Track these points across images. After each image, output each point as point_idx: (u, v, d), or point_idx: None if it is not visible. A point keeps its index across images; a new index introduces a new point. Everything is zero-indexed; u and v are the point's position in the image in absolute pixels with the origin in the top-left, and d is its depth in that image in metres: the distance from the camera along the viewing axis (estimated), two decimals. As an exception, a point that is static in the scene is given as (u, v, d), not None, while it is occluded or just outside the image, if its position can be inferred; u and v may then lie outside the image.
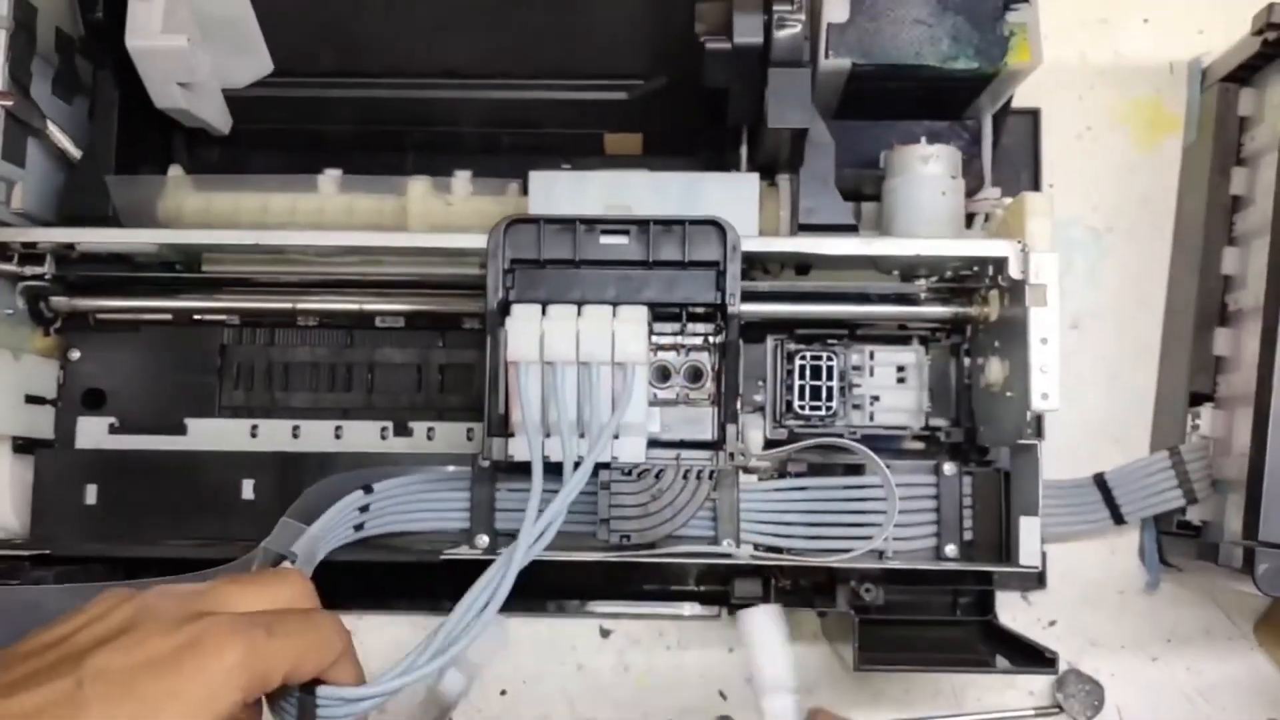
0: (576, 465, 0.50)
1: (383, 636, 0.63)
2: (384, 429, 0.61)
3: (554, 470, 0.51)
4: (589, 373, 0.51)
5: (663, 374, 0.56)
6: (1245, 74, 0.62)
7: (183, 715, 0.36)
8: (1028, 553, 0.55)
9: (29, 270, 0.57)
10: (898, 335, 0.60)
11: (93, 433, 0.60)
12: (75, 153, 0.58)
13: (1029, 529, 0.55)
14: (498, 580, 0.46)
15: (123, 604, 0.38)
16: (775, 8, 0.52)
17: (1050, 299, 0.52)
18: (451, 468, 0.57)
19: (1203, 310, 0.62)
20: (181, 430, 0.60)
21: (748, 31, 0.52)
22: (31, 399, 0.59)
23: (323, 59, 0.60)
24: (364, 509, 0.55)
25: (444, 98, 0.60)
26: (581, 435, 0.52)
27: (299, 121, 0.62)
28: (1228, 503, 0.58)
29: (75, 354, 0.61)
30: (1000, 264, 0.53)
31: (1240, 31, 0.60)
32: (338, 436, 0.60)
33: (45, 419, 0.60)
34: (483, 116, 0.62)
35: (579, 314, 0.52)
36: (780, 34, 0.52)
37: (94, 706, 0.35)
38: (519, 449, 0.52)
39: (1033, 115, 0.66)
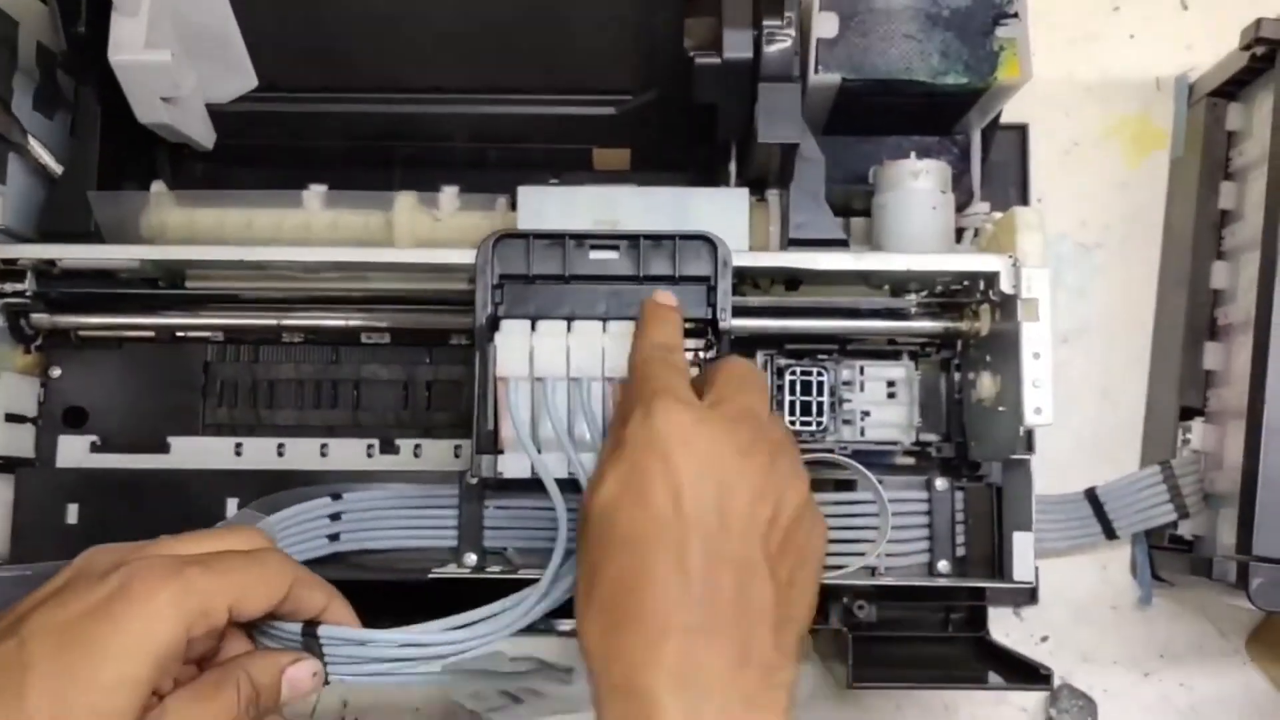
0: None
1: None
2: (370, 446, 0.60)
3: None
4: (580, 388, 0.51)
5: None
6: (1233, 89, 0.62)
7: (123, 656, 0.37)
8: (1021, 568, 0.55)
9: (9, 287, 0.56)
10: (888, 350, 0.59)
11: (74, 451, 0.59)
12: (57, 168, 0.58)
13: (1022, 544, 0.55)
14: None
15: (64, 568, 0.40)
16: (765, 23, 0.52)
17: (1042, 313, 0.51)
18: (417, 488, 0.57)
19: (1192, 324, 0.62)
20: (164, 448, 0.59)
21: (737, 47, 0.52)
22: (11, 417, 0.58)
23: (308, 74, 0.59)
24: (335, 517, 0.55)
25: (431, 113, 0.60)
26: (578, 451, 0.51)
27: (284, 137, 0.61)
28: (1219, 517, 0.58)
29: (56, 372, 0.60)
30: (991, 279, 0.53)
31: (1227, 47, 0.61)
32: (323, 454, 0.60)
33: (26, 438, 0.59)
34: (470, 131, 0.61)
35: (569, 329, 0.51)
36: (770, 49, 0.52)
37: (37, 662, 0.36)
38: (508, 466, 0.51)
39: (1021, 130, 0.66)
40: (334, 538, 0.55)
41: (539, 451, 0.51)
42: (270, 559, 0.43)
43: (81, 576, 0.39)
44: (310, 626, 0.44)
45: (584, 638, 0.40)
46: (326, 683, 0.44)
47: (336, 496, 0.56)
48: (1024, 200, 0.66)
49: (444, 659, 0.46)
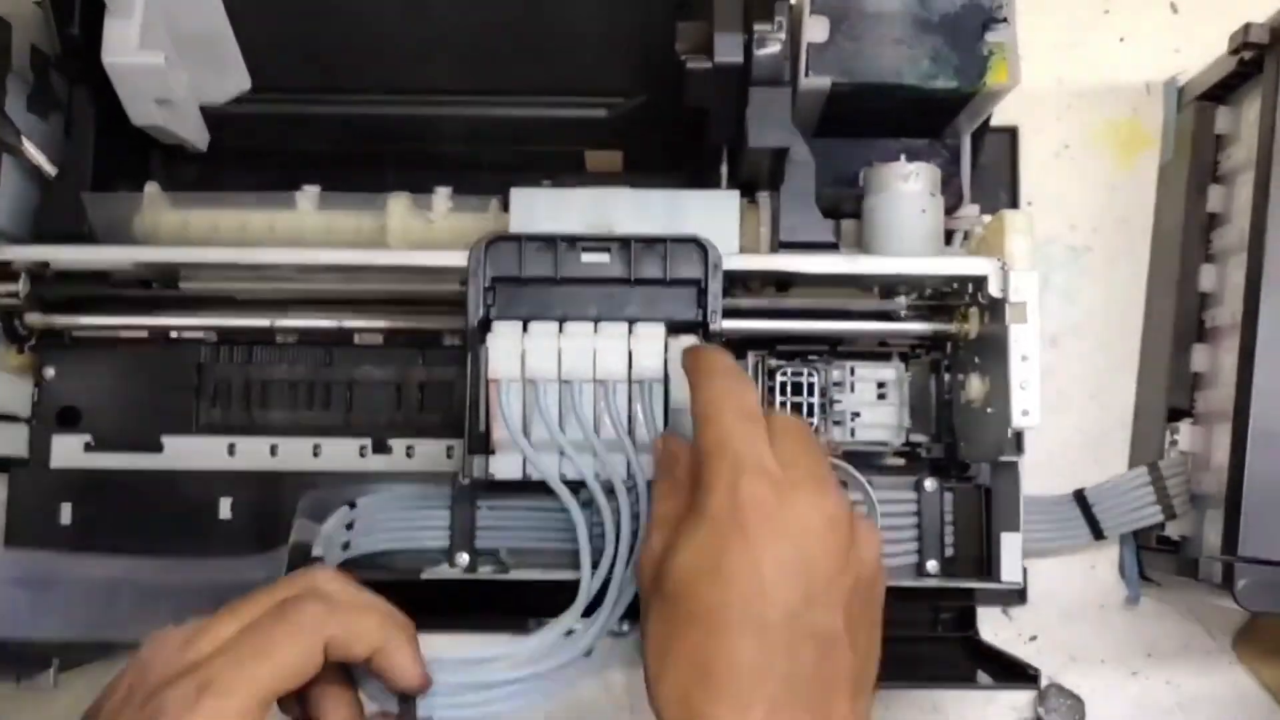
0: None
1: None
2: (363, 447, 0.60)
3: (537, 489, 0.52)
4: (571, 390, 0.51)
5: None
6: (1222, 93, 0.63)
7: None
8: (1009, 569, 0.56)
9: (2, 288, 0.56)
10: (878, 352, 0.60)
11: (68, 451, 0.60)
12: (50, 170, 0.58)
13: (1010, 545, 0.56)
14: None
15: (139, 659, 0.40)
16: (756, 27, 0.52)
17: (1030, 316, 0.52)
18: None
19: (1180, 327, 0.62)
20: (158, 448, 0.60)
21: (728, 51, 0.52)
22: (5, 417, 0.58)
23: (302, 75, 0.59)
24: (349, 526, 0.55)
25: (424, 114, 0.60)
26: (562, 453, 0.51)
27: (277, 138, 0.61)
28: (1206, 518, 0.59)
29: (50, 372, 0.60)
30: (980, 282, 0.53)
31: (1216, 50, 0.61)
32: (316, 454, 0.60)
33: (19, 437, 0.59)
34: (463, 133, 0.61)
35: (560, 331, 0.52)
36: (760, 53, 0.53)
37: None
38: (500, 467, 0.52)
39: (1011, 134, 0.67)
40: (345, 546, 0.55)
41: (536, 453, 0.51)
42: (295, 622, 0.40)
43: (137, 691, 0.38)
44: (406, 699, 0.44)
45: (661, 700, 0.40)
46: None
47: (352, 505, 0.56)
48: (1014, 203, 0.66)
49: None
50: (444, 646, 0.46)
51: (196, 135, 0.59)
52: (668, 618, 0.41)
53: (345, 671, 0.44)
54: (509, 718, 0.47)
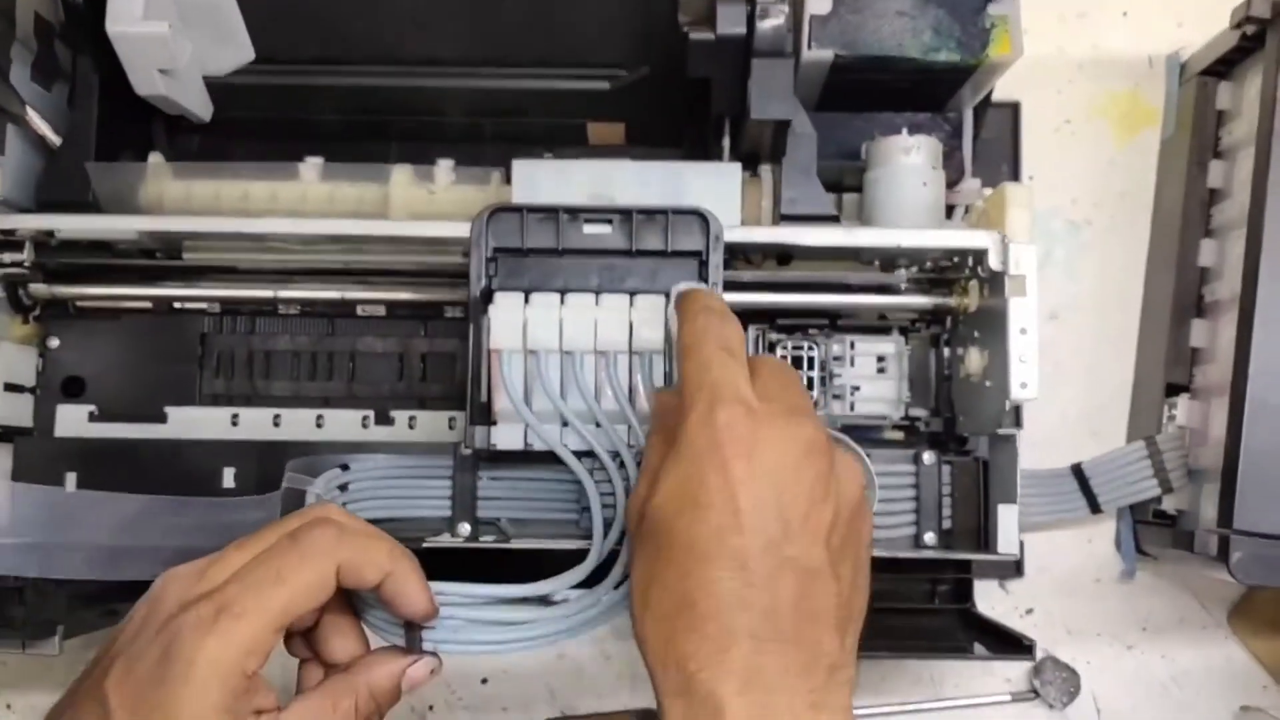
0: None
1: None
2: (365, 418, 0.60)
3: (538, 459, 0.52)
4: (573, 361, 0.51)
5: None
6: (1224, 68, 0.63)
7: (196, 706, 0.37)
8: (1006, 541, 0.56)
9: (8, 257, 0.56)
10: (878, 326, 0.60)
11: (72, 421, 0.60)
12: (55, 139, 0.58)
13: (1007, 517, 0.56)
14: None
15: (151, 594, 0.40)
16: (758, -1, 0.52)
17: (1029, 289, 0.52)
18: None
19: (1179, 302, 0.63)
20: (162, 418, 0.60)
21: (731, 22, 0.52)
22: (10, 387, 0.58)
23: (305, 47, 0.59)
24: (343, 488, 0.55)
25: (427, 86, 0.60)
26: (565, 424, 0.52)
27: (281, 109, 0.62)
28: (1203, 492, 0.59)
29: (54, 342, 0.60)
30: (980, 255, 0.54)
31: (1219, 25, 0.61)
32: (319, 425, 0.60)
33: (24, 407, 0.60)
34: (466, 105, 0.62)
35: (562, 302, 0.52)
36: (763, 25, 0.53)
37: None
38: (501, 437, 0.52)
39: (1013, 108, 0.67)
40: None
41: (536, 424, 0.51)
42: (307, 547, 0.41)
43: (150, 621, 0.39)
44: (412, 626, 0.45)
45: (645, 641, 0.40)
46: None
47: (345, 467, 0.56)
48: (1015, 177, 0.66)
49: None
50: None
51: (200, 106, 0.60)
52: (649, 556, 0.40)
53: (350, 607, 0.44)
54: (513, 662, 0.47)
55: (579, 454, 0.52)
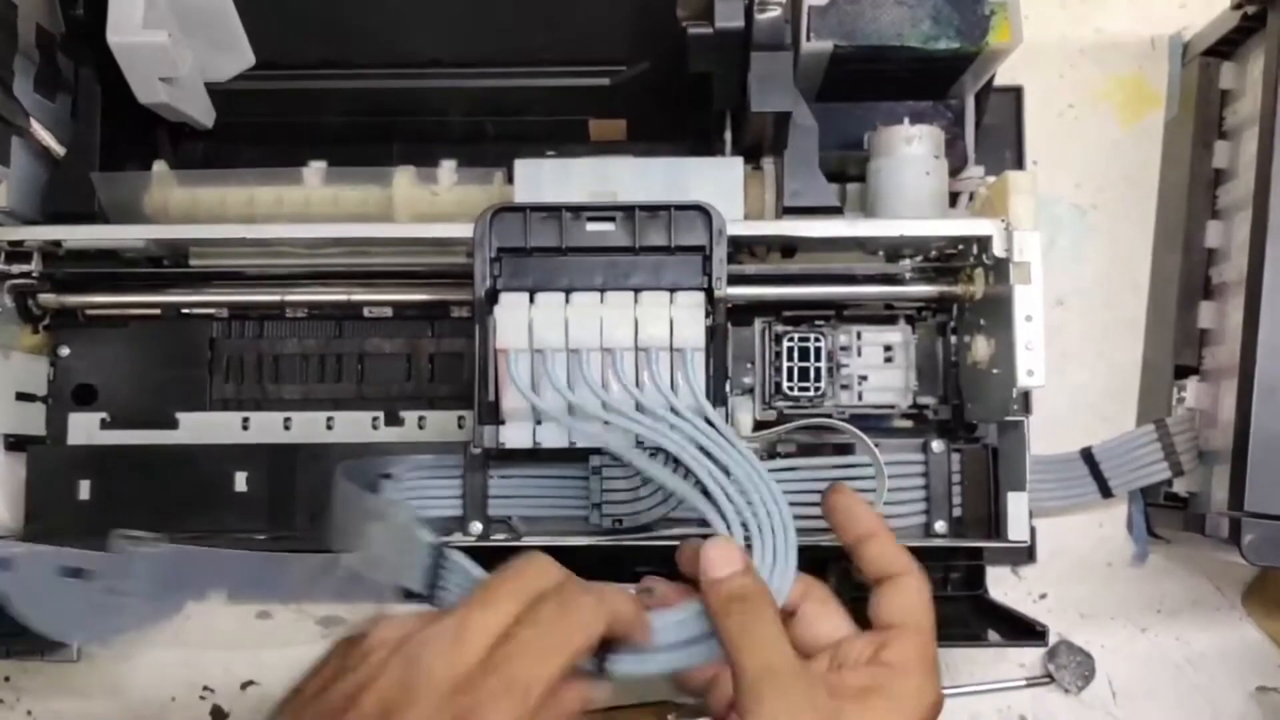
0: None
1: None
2: (375, 419, 0.61)
3: (548, 457, 0.52)
4: (579, 359, 0.52)
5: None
6: (1226, 48, 0.62)
7: None
8: (1016, 528, 0.56)
9: (16, 268, 0.57)
10: (884, 315, 0.60)
11: (84, 428, 0.61)
12: (59, 150, 0.58)
13: (1017, 504, 0.56)
14: None
15: (391, 656, 0.38)
16: (756, -9, 0.52)
17: (1034, 276, 0.52)
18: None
19: (1186, 284, 0.62)
20: (173, 424, 0.61)
21: (729, 16, 0.52)
22: (22, 396, 0.59)
23: (305, 51, 0.60)
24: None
25: (428, 87, 0.60)
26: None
27: (283, 114, 0.62)
28: (1213, 474, 0.59)
29: (65, 351, 0.61)
30: (984, 242, 0.54)
31: (1220, 6, 0.61)
32: (329, 427, 0.61)
33: (36, 416, 0.60)
34: (467, 106, 0.62)
35: (567, 301, 0.52)
36: (761, 17, 0.53)
37: None
38: (510, 436, 0.52)
39: (1015, 94, 0.66)
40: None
41: (538, 423, 0.52)
42: (582, 616, 0.40)
43: (415, 697, 0.37)
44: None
45: None
46: None
47: (386, 476, 0.57)
48: (1019, 164, 0.66)
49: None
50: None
51: (202, 113, 0.60)
52: None
53: None
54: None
55: (588, 451, 0.52)
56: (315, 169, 0.59)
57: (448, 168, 0.59)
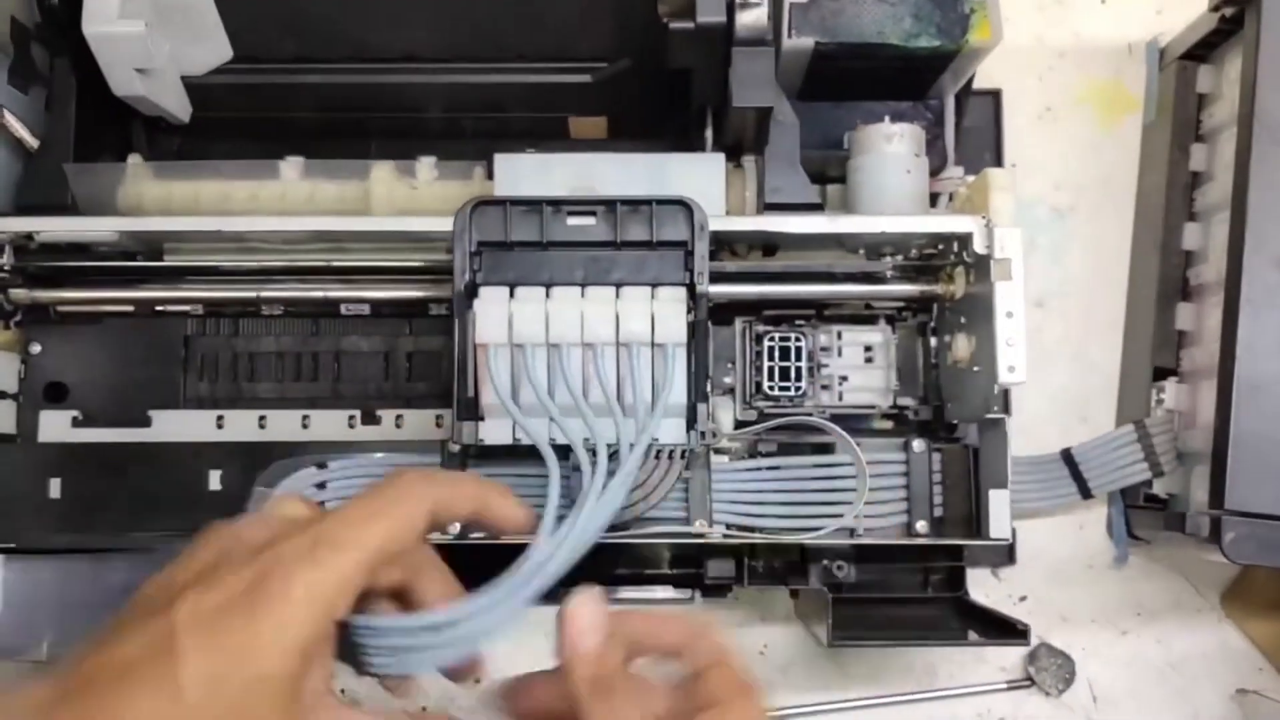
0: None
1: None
2: (351, 418, 0.60)
3: (528, 454, 0.51)
4: (559, 354, 0.51)
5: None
6: (1203, 51, 0.63)
7: (273, 653, 0.35)
8: (998, 526, 0.56)
9: (-12, 262, 0.56)
10: (865, 315, 0.60)
11: (56, 426, 0.59)
12: (33, 142, 0.57)
13: (998, 501, 0.56)
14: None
15: (212, 539, 0.38)
16: (738, -13, 0.52)
17: (1015, 273, 0.52)
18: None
19: (1165, 286, 0.63)
20: (146, 422, 0.60)
21: (711, 11, 0.52)
22: (-8, 393, 0.58)
23: (283, 45, 0.59)
24: (321, 486, 0.55)
25: (407, 83, 0.60)
26: (551, 418, 0.51)
27: (260, 109, 0.61)
28: (1193, 474, 0.59)
29: (36, 347, 0.60)
30: (965, 240, 0.54)
31: (1198, 9, 0.61)
32: (305, 426, 0.60)
33: (7, 413, 0.59)
34: (446, 101, 0.61)
35: (547, 296, 0.52)
36: (743, 14, 0.53)
37: (189, 654, 0.34)
38: (489, 432, 0.52)
39: (994, 96, 0.67)
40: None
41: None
42: (401, 487, 0.40)
43: (230, 556, 0.37)
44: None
45: None
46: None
47: (322, 465, 0.56)
48: (998, 165, 0.66)
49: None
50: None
51: (178, 106, 0.59)
52: None
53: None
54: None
55: (566, 447, 0.51)
56: (292, 163, 0.58)
57: (427, 163, 0.58)
